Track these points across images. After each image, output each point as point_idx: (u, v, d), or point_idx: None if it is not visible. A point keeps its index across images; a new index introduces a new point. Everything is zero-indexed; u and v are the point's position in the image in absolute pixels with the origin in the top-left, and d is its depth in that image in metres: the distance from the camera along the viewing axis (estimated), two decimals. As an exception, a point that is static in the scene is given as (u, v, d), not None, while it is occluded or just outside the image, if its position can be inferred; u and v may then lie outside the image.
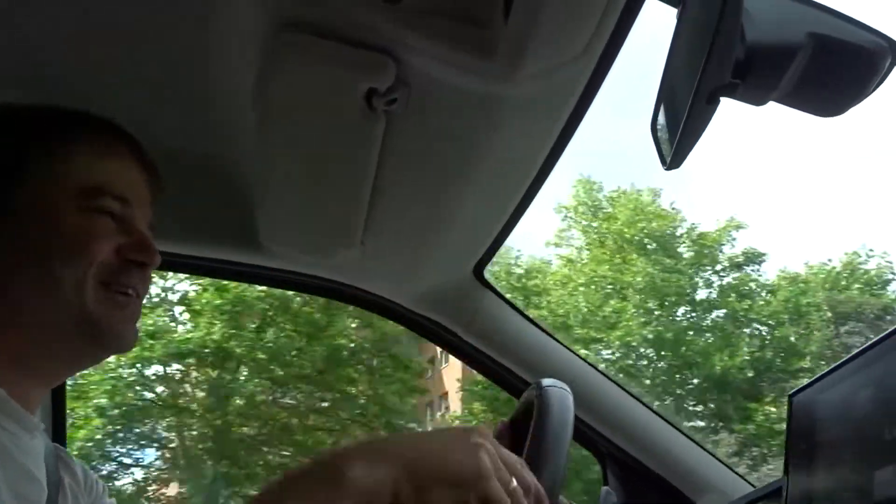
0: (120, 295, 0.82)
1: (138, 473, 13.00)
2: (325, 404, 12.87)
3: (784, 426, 0.99)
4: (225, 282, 10.05)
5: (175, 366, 12.37)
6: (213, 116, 1.03)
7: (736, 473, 1.47)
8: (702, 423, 13.71)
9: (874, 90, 0.71)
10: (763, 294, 14.80)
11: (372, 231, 1.21)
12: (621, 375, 12.72)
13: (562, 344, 1.50)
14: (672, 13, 0.76)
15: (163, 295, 11.99)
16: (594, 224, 15.00)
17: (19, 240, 0.78)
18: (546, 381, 1.00)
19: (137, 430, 12.65)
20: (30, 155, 0.81)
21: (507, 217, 1.22)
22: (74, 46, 0.94)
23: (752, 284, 14.83)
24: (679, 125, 0.69)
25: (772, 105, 0.73)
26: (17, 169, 0.80)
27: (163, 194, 0.91)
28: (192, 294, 11.89)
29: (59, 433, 1.47)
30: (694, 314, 14.58)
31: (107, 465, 12.26)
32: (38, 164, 0.81)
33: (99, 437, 11.76)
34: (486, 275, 1.44)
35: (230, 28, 0.87)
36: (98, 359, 0.87)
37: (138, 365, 11.76)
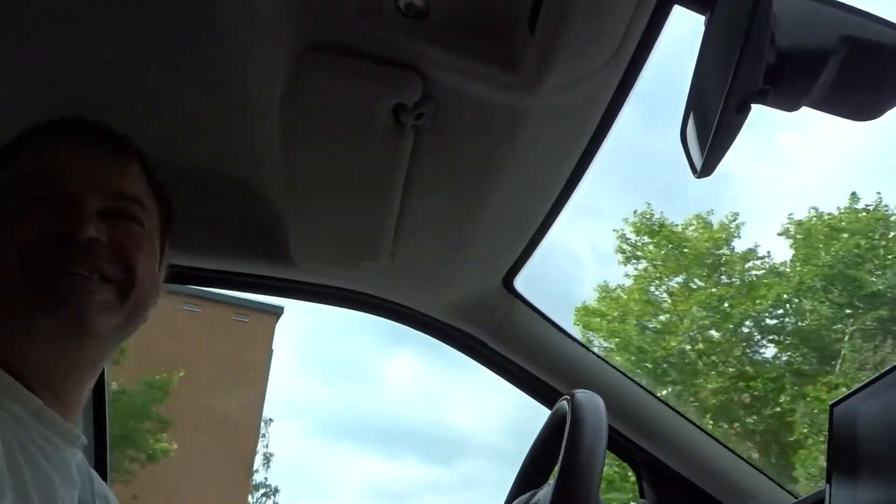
0: (52, 272, 0.78)
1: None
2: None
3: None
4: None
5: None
6: (243, 136, 1.05)
7: (775, 482, 1.45)
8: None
9: (911, 92, 0.69)
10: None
11: (401, 243, 1.22)
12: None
13: (593, 353, 1.49)
14: (700, 20, 0.75)
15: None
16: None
17: None
18: (578, 392, 0.99)
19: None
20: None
21: (536, 226, 1.22)
22: (108, 73, 0.97)
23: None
24: (709, 133, 0.68)
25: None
26: None
27: (150, 167, 0.90)
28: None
29: (100, 444, 1.49)
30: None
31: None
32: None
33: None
34: (517, 284, 1.44)
35: (257, 51, 0.89)
36: (63, 343, 0.81)
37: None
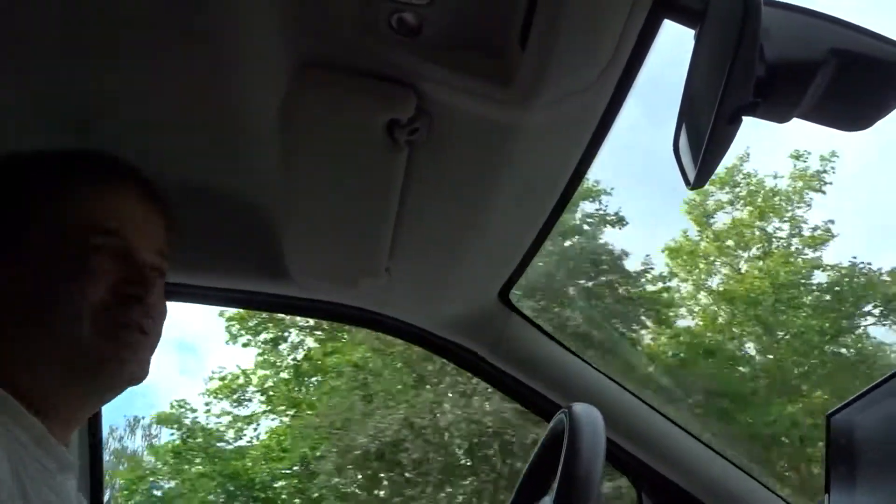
0: (122, 331, 0.83)
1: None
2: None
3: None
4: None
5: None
6: (238, 153, 1.05)
7: (778, 496, 1.44)
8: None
9: (900, 102, 0.70)
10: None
11: (396, 258, 1.22)
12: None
13: (591, 365, 1.49)
14: (690, 34, 0.76)
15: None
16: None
17: (22, 283, 0.81)
18: (576, 405, 0.99)
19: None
20: (30, 201, 0.84)
21: (531, 240, 1.22)
22: (103, 92, 0.97)
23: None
24: (702, 145, 0.69)
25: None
26: (20, 217, 0.83)
27: (176, 224, 0.93)
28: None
29: (95, 475, 1.49)
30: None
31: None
32: (37, 211, 0.84)
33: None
34: (512, 298, 1.44)
35: (252, 69, 0.89)
36: (105, 395, 0.87)
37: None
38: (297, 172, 1.03)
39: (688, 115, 0.77)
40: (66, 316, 0.80)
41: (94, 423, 1.53)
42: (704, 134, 0.67)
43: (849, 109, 0.72)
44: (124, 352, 0.82)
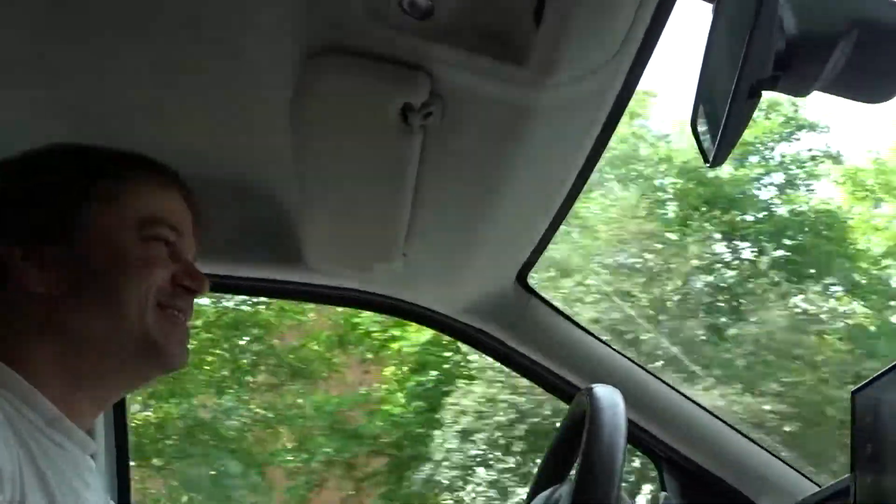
0: (174, 315, 0.87)
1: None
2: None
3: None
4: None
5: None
6: (253, 142, 1.06)
7: (799, 473, 1.43)
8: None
9: (924, 72, 0.69)
10: None
11: (413, 243, 1.22)
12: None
13: (612, 347, 1.49)
14: (707, 8, 0.74)
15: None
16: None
17: (82, 266, 0.83)
18: (596, 386, 0.99)
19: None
20: (94, 186, 0.86)
21: (548, 222, 1.21)
22: (117, 84, 0.97)
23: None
24: (720, 121, 0.68)
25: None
26: (82, 199, 0.85)
27: (203, 224, 0.95)
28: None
29: (122, 457, 1.51)
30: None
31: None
32: (99, 195, 0.86)
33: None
34: (531, 281, 1.44)
35: (265, 56, 0.89)
36: (151, 378, 0.91)
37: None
38: (312, 160, 1.03)
39: (706, 91, 0.75)
40: (131, 298, 0.83)
41: (120, 407, 1.56)
42: (723, 110, 0.66)
43: (871, 81, 0.70)
44: (178, 336, 0.86)
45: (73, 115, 1.01)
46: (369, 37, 0.83)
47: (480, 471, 8.32)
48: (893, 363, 0.86)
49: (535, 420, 7.76)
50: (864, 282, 8.72)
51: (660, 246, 8.27)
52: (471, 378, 8.13)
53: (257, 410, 9.03)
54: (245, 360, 9.11)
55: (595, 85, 0.86)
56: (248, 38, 0.87)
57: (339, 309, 8.00)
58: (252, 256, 1.36)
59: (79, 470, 0.83)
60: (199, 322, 8.21)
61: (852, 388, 0.95)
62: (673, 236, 8.50)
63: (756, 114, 0.83)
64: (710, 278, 8.37)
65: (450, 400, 8.22)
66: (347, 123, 0.93)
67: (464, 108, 0.90)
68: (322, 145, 0.99)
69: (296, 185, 1.10)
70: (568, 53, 0.79)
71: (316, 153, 1.01)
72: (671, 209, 8.94)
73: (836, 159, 9.62)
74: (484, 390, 7.95)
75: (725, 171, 8.69)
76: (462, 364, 8.43)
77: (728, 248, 8.85)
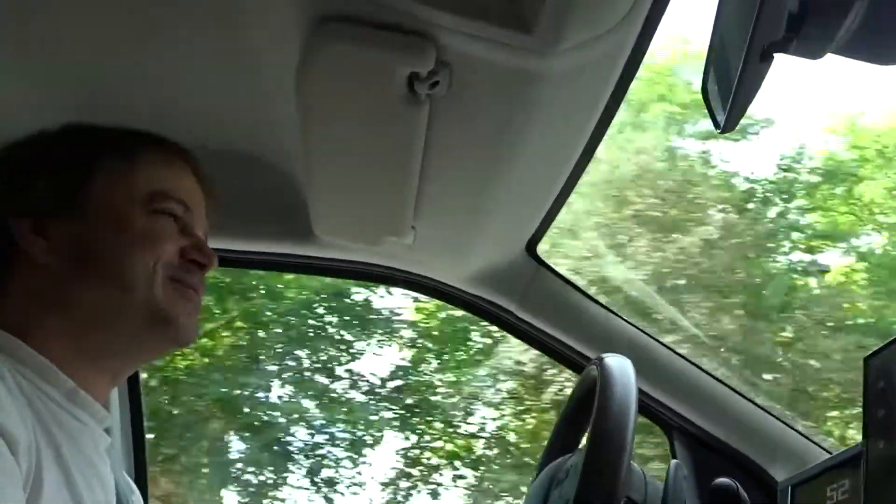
0: (188, 291, 0.87)
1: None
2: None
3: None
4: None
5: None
6: (260, 115, 1.05)
7: (810, 440, 1.43)
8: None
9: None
10: None
11: (422, 215, 1.22)
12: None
13: (620, 316, 1.48)
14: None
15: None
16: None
17: (89, 239, 0.84)
18: (607, 356, 0.99)
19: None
20: (101, 160, 0.87)
21: (557, 192, 1.20)
22: (122, 58, 0.97)
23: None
24: (732, 85, 0.66)
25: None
26: (90, 172, 0.86)
27: (215, 202, 0.95)
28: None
29: (137, 431, 1.53)
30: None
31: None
32: (108, 169, 0.87)
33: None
34: (539, 251, 1.43)
35: (270, 26, 0.88)
36: (164, 352, 0.93)
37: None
38: (319, 131, 1.02)
39: (717, 54, 0.74)
40: (138, 271, 0.83)
41: (134, 380, 1.57)
42: (734, 74, 0.65)
43: (888, 42, 0.69)
44: (188, 310, 0.87)
45: (76, 90, 1.01)
46: (374, 4, 0.81)
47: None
48: (907, 329, 0.85)
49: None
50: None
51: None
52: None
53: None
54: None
55: (604, 51, 0.85)
56: (253, 8, 0.86)
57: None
58: (262, 231, 1.36)
59: (94, 443, 0.84)
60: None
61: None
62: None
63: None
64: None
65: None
66: (354, 93, 0.92)
67: (470, 77, 0.89)
68: (329, 116, 0.98)
69: (303, 157, 1.10)
70: (575, 19, 0.78)
71: (323, 125, 1.00)
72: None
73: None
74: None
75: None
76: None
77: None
